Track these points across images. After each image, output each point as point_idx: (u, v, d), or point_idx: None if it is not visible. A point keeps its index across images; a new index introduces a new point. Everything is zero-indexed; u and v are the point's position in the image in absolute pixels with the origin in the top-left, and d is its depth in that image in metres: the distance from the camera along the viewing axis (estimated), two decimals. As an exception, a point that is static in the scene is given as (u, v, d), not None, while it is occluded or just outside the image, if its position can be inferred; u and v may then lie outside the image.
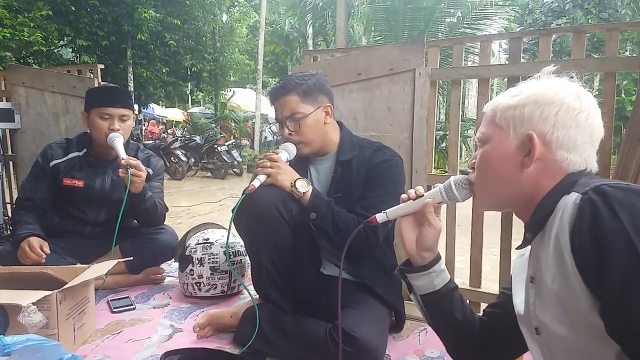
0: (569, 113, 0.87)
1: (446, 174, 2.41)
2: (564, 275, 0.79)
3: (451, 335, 1.16)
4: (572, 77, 0.93)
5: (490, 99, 1.02)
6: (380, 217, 1.13)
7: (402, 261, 1.16)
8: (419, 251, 1.09)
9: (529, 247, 0.96)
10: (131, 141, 2.35)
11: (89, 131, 2.24)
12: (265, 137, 15.83)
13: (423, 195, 1.09)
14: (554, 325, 0.85)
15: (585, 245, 0.74)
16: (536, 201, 0.90)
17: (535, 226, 0.89)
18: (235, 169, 11.36)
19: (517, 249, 1.02)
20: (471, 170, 1.02)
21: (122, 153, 2.07)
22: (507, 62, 2.17)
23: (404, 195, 1.12)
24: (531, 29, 9.64)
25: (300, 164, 1.75)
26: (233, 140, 12.63)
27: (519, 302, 0.99)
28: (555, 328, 0.85)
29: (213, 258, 2.08)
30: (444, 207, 1.15)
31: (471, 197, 1.06)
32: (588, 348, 0.80)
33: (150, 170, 2.30)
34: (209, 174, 11.37)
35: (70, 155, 2.24)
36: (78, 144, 2.28)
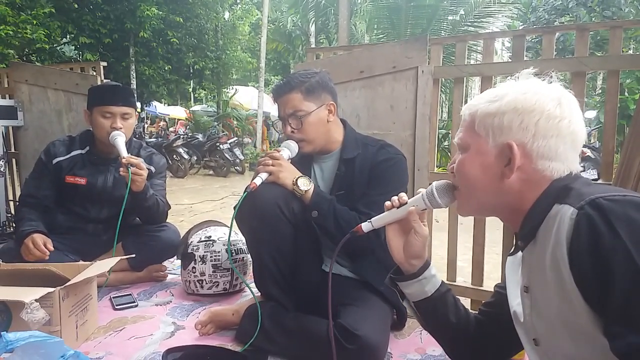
0: (549, 122, 0.84)
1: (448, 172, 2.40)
2: (563, 292, 0.77)
3: (447, 338, 1.15)
4: (551, 78, 0.90)
5: None
6: (365, 226, 1.12)
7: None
8: (407, 259, 1.07)
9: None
10: (134, 139, 2.35)
11: (91, 129, 2.25)
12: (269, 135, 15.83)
13: (406, 203, 1.07)
14: (554, 339, 0.84)
15: (584, 263, 0.73)
16: (523, 210, 0.88)
17: (526, 236, 0.88)
18: (238, 167, 11.36)
19: (508, 255, 1.01)
20: (451, 175, 0.99)
21: (124, 152, 2.07)
22: (510, 60, 2.16)
23: (387, 203, 1.10)
24: (534, 27, 9.61)
25: (304, 162, 1.75)
26: (235, 138, 12.63)
27: (515, 304, 0.98)
28: (555, 342, 0.84)
29: (215, 256, 2.08)
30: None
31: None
32: None
33: (152, 168, 2.30)
34: (211, 172, 11.36)
35: (73, 153, 2.24)
36: (81, 141, 2.28)
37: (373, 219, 1.12)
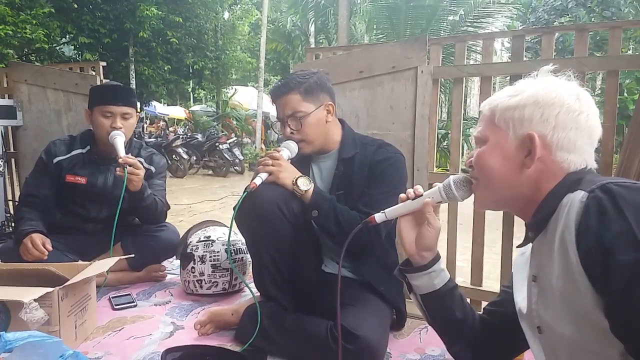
0: (569, 114, 0.87)
1: (448, 172, 2.41)
2: (569, 274, 0.78)
3: (451, 334, 1.16)
4: (569, 76, 0.92)
5: None
6: (379, 217, 1.13)
7: (403, 260, 1.16)
8: (419, 251, 1.08)
9: (529, 245, 0.96)
10: (134, 139, 2.35)
11: (92, 128, 2.25)
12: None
13: (422, 195, 1.08)
14: (557, 324, 0.85)
15: (591, 244, 0.74)
16: (537, 201, 0.90)
17: (537, 225, 0.89)
18: (237, 167, 11.38)
19: (518, 247, 1.02)
20: (469, 169, 1.01)
21: (121, 151, 2.07)
22: (509, 60, 2.16)
23: (402, 195, 1.11)
24: (534, 27, 9.62)
25: (303, 162, 1.74)
26: (234, 138, 12.64)
27: (520, 299, 0.99)
28: (558, 327, 0.85)
29: (214, 256, 2.08)
30: (445, 205, 1.15)
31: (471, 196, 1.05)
32: (591, 347, 0.80)
33: (152, 168, 2.30)
34: (210, 172, 11.38)
35: (74, 152, 2.24)
36: (82, 141, 2.28)
37: (387, 209, 1.12)
